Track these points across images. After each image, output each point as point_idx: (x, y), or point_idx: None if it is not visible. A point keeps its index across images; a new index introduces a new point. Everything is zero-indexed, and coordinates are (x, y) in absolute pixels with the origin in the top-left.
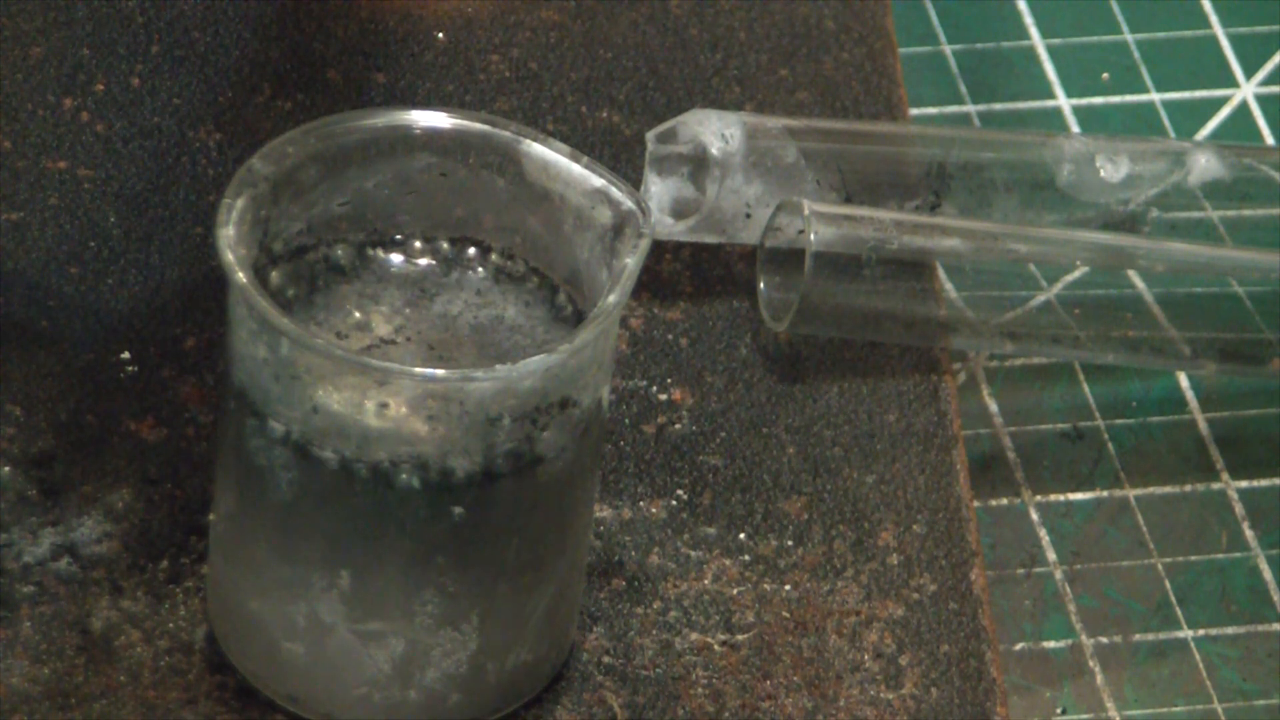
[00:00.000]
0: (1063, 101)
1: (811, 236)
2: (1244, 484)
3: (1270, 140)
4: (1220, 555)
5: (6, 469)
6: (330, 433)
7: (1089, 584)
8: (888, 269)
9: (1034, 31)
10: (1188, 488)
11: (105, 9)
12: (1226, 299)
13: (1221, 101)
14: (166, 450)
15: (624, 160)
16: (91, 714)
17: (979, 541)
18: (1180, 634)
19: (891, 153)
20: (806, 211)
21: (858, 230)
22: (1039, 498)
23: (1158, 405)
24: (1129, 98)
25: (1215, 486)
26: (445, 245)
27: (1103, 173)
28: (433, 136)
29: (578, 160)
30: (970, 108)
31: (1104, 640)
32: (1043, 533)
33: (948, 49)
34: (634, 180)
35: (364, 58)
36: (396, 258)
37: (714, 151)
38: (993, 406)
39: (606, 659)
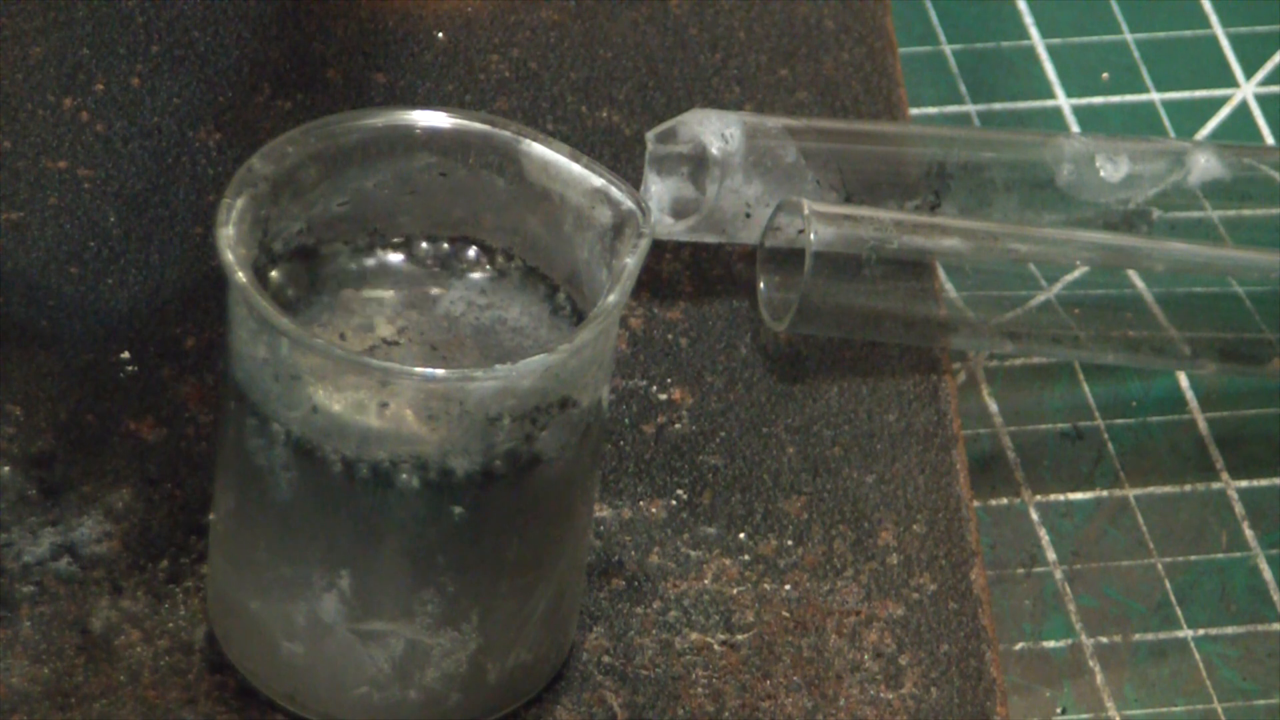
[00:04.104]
0: (1063, 101)
1: (811, 236)
2: (1244, 484)
3: (1270, 140)
4: (1220, 555)
5: (6, 469)
6: (330, 433)
7: (1089, 584)
8: (888, 269)
9: (1034, 31)
10: (1188, 488)
11: (105, 9)
12: (1226, 299)
13: (1221, 101)
14: (166, 450)
15: (624, 160)
16: (91, 714)
17: (979, 541)
18: (1180, 634)
19: (891, 153)
20: (806, 211)
21: (858, 230)
22: (1039, 498)
23: (1158, 405)
24: (1129, 98)
25: (1215, 486)
26: (445, 245)
27: (1103, 173)
28: (433, 136)
29: (578, 160)
30: (970, 108)
31: (1104, 640)
32: (1043, 533)
33: (948, 49)
34: (634, 180)
35: (364, 58)
36: (397, 258)
37: (714, 151)
38: (993, 406)
39: (606, 659)
